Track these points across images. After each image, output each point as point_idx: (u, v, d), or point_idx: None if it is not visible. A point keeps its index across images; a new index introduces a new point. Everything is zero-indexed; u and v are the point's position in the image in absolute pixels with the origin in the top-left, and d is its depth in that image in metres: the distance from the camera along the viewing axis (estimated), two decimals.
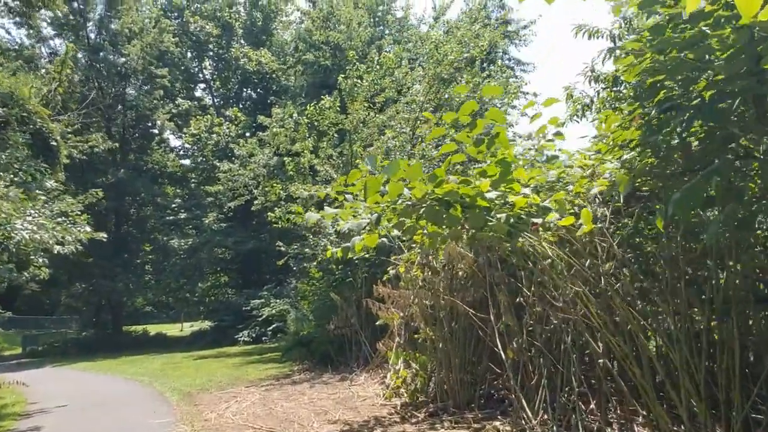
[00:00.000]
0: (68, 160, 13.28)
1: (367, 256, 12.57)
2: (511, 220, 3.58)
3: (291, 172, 14.97)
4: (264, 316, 22.94)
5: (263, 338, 23.01)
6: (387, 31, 24.62)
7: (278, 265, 15.36)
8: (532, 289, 5.53)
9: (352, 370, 11.93)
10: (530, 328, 5.51)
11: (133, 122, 30.89)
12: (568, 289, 4.37)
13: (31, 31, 29.26)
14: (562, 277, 4.43)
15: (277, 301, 23.31)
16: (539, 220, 3.60)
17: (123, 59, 30.11)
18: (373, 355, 11.70)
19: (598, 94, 4.62)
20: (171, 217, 30.33)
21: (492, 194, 3.55)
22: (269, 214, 14.70)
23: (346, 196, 5.18)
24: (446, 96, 15.48)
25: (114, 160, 31.21)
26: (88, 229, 10.66)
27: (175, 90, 32.45)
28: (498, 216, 3.54)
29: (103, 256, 29.97)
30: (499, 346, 5.57)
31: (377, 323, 9.28)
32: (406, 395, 8.04)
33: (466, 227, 3.95)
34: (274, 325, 22.97)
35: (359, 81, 14.19)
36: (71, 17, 29.51)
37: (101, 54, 30.21)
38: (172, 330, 39.14)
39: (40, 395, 12.31)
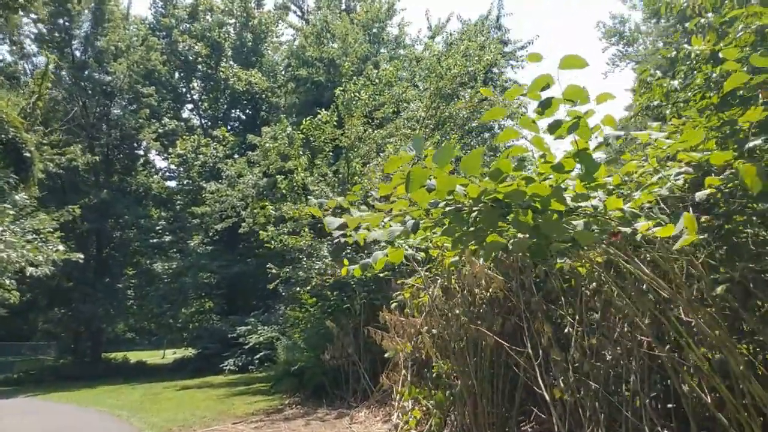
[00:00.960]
0: (43, 174, 12.32)
1: (366, 278, 11.72)
2: (594, 228, 2.79)
3: (284, 191, 14.14)
4: (250, 344, 21.77)
5: (250, 367, 21.83)
6: (382, 49, 24.09)
7: (269, 288, 14.43)
8: (577, 317, 4.72)
9: (350, 405, 10.96)
10: (576, 364, 4.67)
11: (118, 142, 29.91)
12: (641, 317, 3.58)
13: (14, 48, 28.40)
14: (641, 302, 3.64)
15: (265, 328, 22.19)
16: (627, 229, 2.80)
17: (108, 77, 29.29)
18: (374, 389, 10.75)
19: (685, 75, 3.91)
20: (155, 240, 29.17)
21: (567, 195, 2.75)
22: (261, 233, 13.80)
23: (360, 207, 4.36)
24: (446, 113, 14.82)
25: (97, 181, 30.16)
26: (61, 248, 9.67)
27: (162, 110, 31.58)
28: (575, 223, 2.74)
29: (84, 281, 28.73)
30: (541, 385, 4.71)
31: (386, 355, 8.37)
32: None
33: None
34: (261, 354, 21.79)
35: (357, 95, 13.48)
36: (56, 34, 28.73)
37: (86, 72, 29.35)
38: (153, 357, 37.64)
39: None
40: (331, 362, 11.72)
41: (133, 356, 34.01)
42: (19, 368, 30.68)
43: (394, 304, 8.85)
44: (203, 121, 34.98)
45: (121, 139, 29.82)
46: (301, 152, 13.63)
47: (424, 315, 8.21)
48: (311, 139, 13.96)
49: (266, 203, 14.20)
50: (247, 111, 33.62)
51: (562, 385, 4.50)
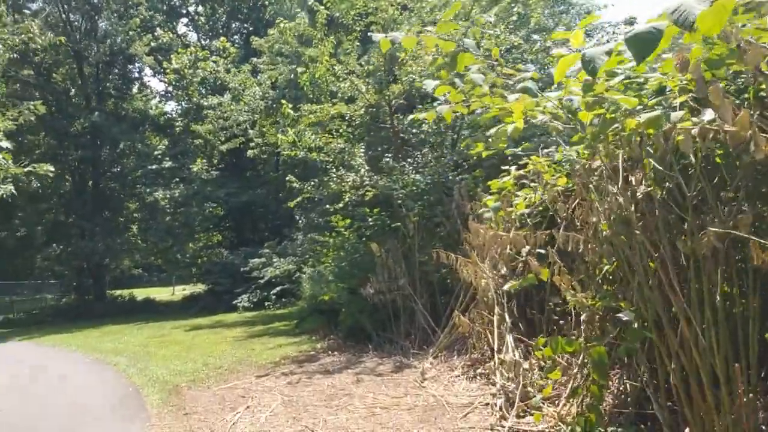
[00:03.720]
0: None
1: (419, 189, 9.06)
2: None
3: (304, 87, 11.26)
4: (266, 278, 19.52)
5: (266, 303, 19.64)
6: None
7: (290, 209, 11.80)
8: None
9: (405, 351, 8.51)
10: None
11: (108, 58, 26.60)
12: None
13: None
14: None
15: (281, 260, 19.86)
16: None
17: None
18: (437, 332, 8.27)
19: None
20: (154, 167, 26.39)
21: None
22: (280, 136, 11.00)
23: None
24: None
25: (88, 104, 27.12)
26: (7, 146, 6.90)
27: (155, 23, 28.05)
28: None
29: (83, 215, 26.28)
30: None
31: (507, 287, 5.74)
32: (565, 409, 4.59)
33: None
34: (278, 288, 19.57)
35: None
36: None
37: None
38: (162, 294, 35.71)
39: None
40: (375, 297, 9.22)
41: (141, 293, 32.07)
42: (19, 308, 28.82)
43: (487, 213, 6.17)
44: (200, 37, 31.49)
45: (111, 55, 26.52)
46: (325, 32, 10.62)
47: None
48: (337, 15, 10.91)
49: (284, 102, 11.30)
50: (248, 24, 30.05)
51: None
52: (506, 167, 8.50)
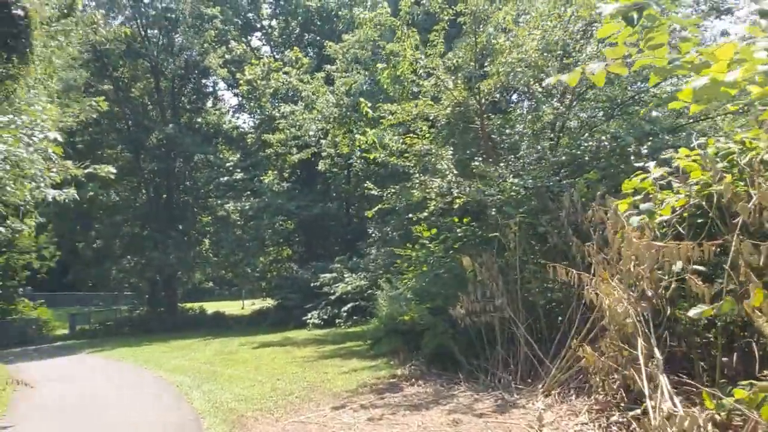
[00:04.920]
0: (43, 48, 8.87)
1: (519, 194, 7.77)
2: None
3: (385, 84, 10.24)
4: (337, 294, 18.57)
5: (337, 321, 18.62)
6: None
7: (367, 216, 10.81)
8: None
9: (507, 385, 7.16)
10: None
11: (183, 71, 26.85)
12: None
13: None
14: None
15: (353, 275, 18.88)
16: None
17: (170, 2, 26.09)
18: (545, 363, 6.89)
19: None
20: (226, 178, 26.20)
21: None
22: (358, 137, 9.97)
23: None
24: None
25: (163, 117, 27.40)
26: (55, 137, 6.22)
27: (229, 35, 28.16)
28: None
29: (156, 228, 26.44)
30: None
31: (693, 313, 4.32)
32: None
33: None
34: (349, 305, 18.57)
35: None
36: None
37: None
38: (232, 308, 35.61)
39: (22, 409, 8.24)
40: (466, 319, 7.92)
41: (211, 307, 31.97)
42: (96, 319, 29.26)
43: (635, 218, 4.80)
44: (273, 50, 31.42)
45: (186, 68, 26.74)
46: (408, 21, 9.55)
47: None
48: (423, 5, 9.84)
49: (362, 102, 10.29)
50: (321, 36, 29.68)
51: None
52: (635, 167, 7.09)
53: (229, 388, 9.09)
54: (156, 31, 27.52)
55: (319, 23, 29.28)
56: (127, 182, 29.63)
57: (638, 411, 4.79)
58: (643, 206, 4.67)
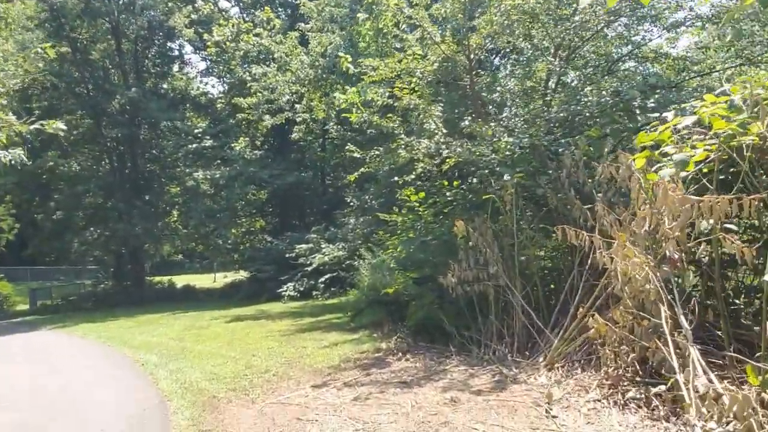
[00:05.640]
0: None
1: (513, 151, 7.17)
2: None
3: (366, 38, 9.44)
4: (314, 265, 17.92)
5: (314, 293, 18.00)
6: None
7: (350, 180, 10.06)
8: None
9: (503, 358, 6.63)
10: None
11: (146, 33, 25.37)
12: None
13: None
14: None
15: (331, 246, 18.23)
16: None
17: None
18: (545, 333, 6.38)
19: None
20: (194, 145, 25.02)
21: None
22: (338, 96, 9.14)
23: None
24: None
25: (126, 81, 25.94)
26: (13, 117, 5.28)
27: None
28: None
29: (121, 198, 25.19)
30: None
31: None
32: None
33: None
34: (327, 276, 17.96)
35: None
36: None
37: None
38: (203, 281, 34.70)
39: None
40: (459, 288, 7.34)
41: (181, 280, 31.02)
42: (57, 294, 28.09)
43: (665, 170, 4.21)
44: (242, 13, 30.00)
45: (150, 29, 25.26)
46: None
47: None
48: None
49: (343, 57, 9.43)
50: None
51: None
52: (641, 123, 6.54)
53: (199, 365, 8.40)
54: None
55: None
56: (88, 150, 28.19)
57: (662, 387, 4.28)
58: (677, 157, 4.07)
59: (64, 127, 7.06)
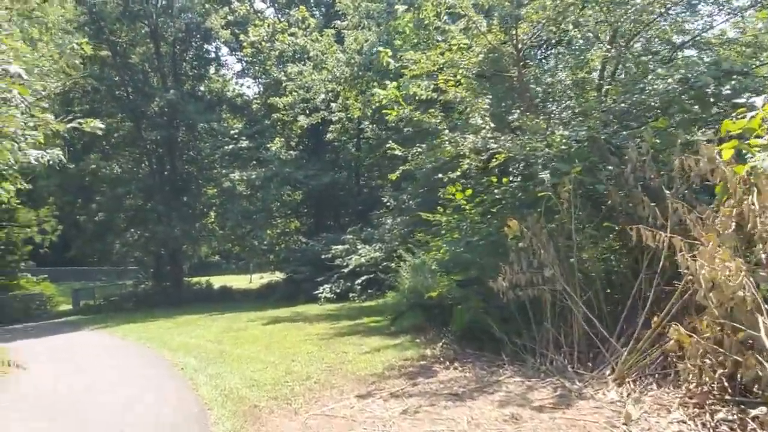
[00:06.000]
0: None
1: (570, 145, 6.68)
2: None
3: (407, 30, 9.03)
4: (350, 267, 17.62)
5: (351, 295, 17.68)
6: None
7: (391, 179, 9.64)
8: None
9: (563, 369, 6.13)
10: None
11: (184, 35, 25.47)
12: None
13: None
14: None
15: (367, 246, 17.89)
16: None
17: None
18: (610, 342, 5.85)
19: None
20: (231, 146, 25.02)
21: None
22: (377, 92, 8.71)
23: None
24: None
25: (164, 85, 26.12)
26: (16, 71, 5.05)
27: None
28: None
29: (160, 200, 25.41)
30: None
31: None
32: None
33: None
34: (363, 278, 17.63)
35: None
36: None
37: None
38: (239, 282, 34.78)
39: (4, 399, 7.30)
40: (511, 292, 6.86)
41: (218, 281, 31.13)
42: (101, 294, 28.49)
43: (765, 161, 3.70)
44: (277, 15, 29.92)
45: (187, 31, 25.37)
46: None
47: None
48: None
49: (383, 51, 9.00)
50: None
51: None
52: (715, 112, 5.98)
53: (238, 370, 8.12)
54: None
55: None
56: (128, 153, 28.59)
57: (764, 409, 3.75)
58: None
59: (102, 126, 6.86)
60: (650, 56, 8.22)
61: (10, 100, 6.54)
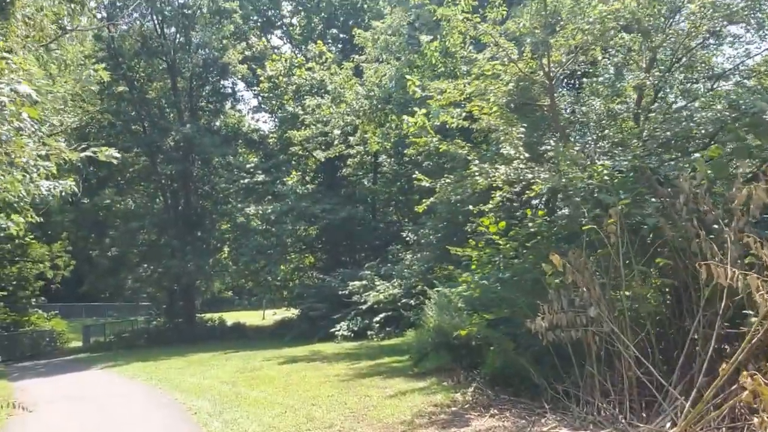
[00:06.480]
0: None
1: (613, 176, 6.26)
2: None
3: (432, 57, 8.76)
4: (368, 304, 17.11)
5: (368, 333, 17.10)
6: None
7: (418, 211, 9.23)
8: None
9: (614, 420, 5.57)
10: None
11: (201, 70, 25.62)
12: None
13: None
14: None
15: (385, 283, 17.40)
16: None
17: None
18: (666, 389, 5.30)
19: None
20: (246, 180, 24.86)
21: None
22: (407, 119, 8.37)
23: None
24: None
25: (180, 119, 26.18)
26: (26, 92, 4.72)
27: (248, 29, 26.87)
28: None
29: (174, 235, 25.20)
30: None
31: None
32: None
33: None
34: (382, 315, 17.06)
35: None
36: None
37: None
38: (252, 318, 34.20)
39: None
40: (551, 333, 6.34)
41: (231, 317, 30.60)
42: (112, 330, 28.03)
43: None
44: (294, 50, 30.16)
45: (204, 66, 25.52)
46: None
47: None
48: None
49: (411, 79, 8.69)
50: (344, 32, 28.36)
51: None
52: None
53: (255, 416, 7.60)
54: (173, 29, 26.25)
55: (342, 18, 28.01)
56: (143, 188, 28.57)
57: None
58: None
59: (118, 155, 6.56)
60: (689, 84, 7.84)
61: (22, 129, 6.27)
